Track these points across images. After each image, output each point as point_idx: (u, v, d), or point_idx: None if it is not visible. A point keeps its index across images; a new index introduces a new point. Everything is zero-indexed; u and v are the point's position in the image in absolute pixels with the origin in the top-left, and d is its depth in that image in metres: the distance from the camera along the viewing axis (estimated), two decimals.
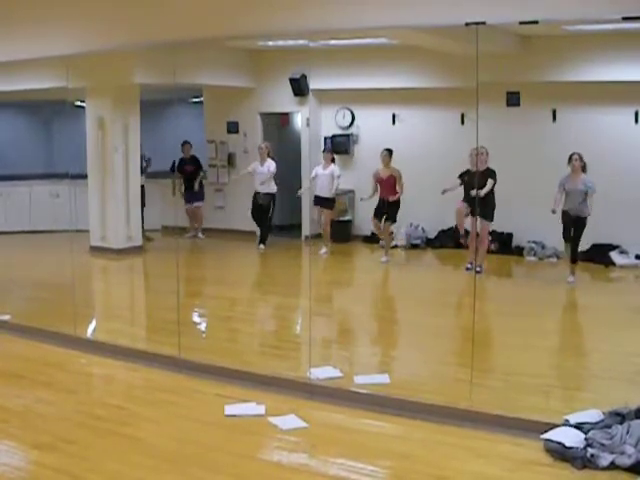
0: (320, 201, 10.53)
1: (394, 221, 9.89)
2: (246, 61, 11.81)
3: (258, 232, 11.21)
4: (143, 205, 11.19)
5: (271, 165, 10.85)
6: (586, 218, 8.32)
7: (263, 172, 10.86)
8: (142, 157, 11.12)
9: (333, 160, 10.62)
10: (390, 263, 9.94)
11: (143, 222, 11.22)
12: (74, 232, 8.39)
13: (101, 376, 5.88)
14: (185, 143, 11.77)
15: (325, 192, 10.45)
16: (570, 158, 8.34)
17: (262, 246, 10.98)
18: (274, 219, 11.30)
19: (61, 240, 8.20)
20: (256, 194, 11.01)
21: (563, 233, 8.51)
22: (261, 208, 10.96)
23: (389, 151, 9.82)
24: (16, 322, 7.05)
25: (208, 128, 12.60)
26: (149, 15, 5.40)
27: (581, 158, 8.31)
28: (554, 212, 8.28)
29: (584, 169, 8.34)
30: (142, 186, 11.17)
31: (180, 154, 11.73)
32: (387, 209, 9.78)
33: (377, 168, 9.88)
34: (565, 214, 8.38)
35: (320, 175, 10.47)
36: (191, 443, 4.41)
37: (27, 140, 13.45)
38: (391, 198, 9.72)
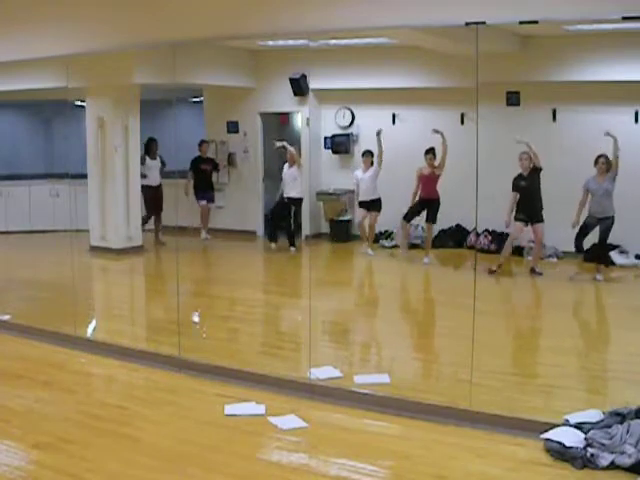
0: (367, 204, 10.37)
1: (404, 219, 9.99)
2: (246, 61, 11.80)
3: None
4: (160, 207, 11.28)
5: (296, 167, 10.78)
6: (613, 217, 8.51)
7: (287, 174, 10.82)
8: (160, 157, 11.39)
9: (372, 163, 10.43)
10: (390, 263, 9.95)
11: (161, 222, 11.28)
12: (74, 232, 8.39)
13: (101, 376, 5.88)
14: (203, 142, 11.79)
15: (370, 195, 10.33)
16: (597, 161, 8.59)
17: (293, 248, 10.79)
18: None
19: (61, 240, 8.20)
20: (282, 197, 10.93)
21: (578, 237, 8.62)
22: (287, 211, 10.82)
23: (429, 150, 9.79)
24: (16, 322, 7.05)
25: (208, 128, 12.60)
26: (149, 15, 5.41)
27: (607, 160, 8.57)
28: (575, 226, 8.49)
29: (608, 170, 8.57)
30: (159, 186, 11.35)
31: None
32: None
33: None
34: (589, 216, 8.56)
35: (361, 179, 10.38)
36: (191, 443, 4.41)
37: (27, 140, 13.44)
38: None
